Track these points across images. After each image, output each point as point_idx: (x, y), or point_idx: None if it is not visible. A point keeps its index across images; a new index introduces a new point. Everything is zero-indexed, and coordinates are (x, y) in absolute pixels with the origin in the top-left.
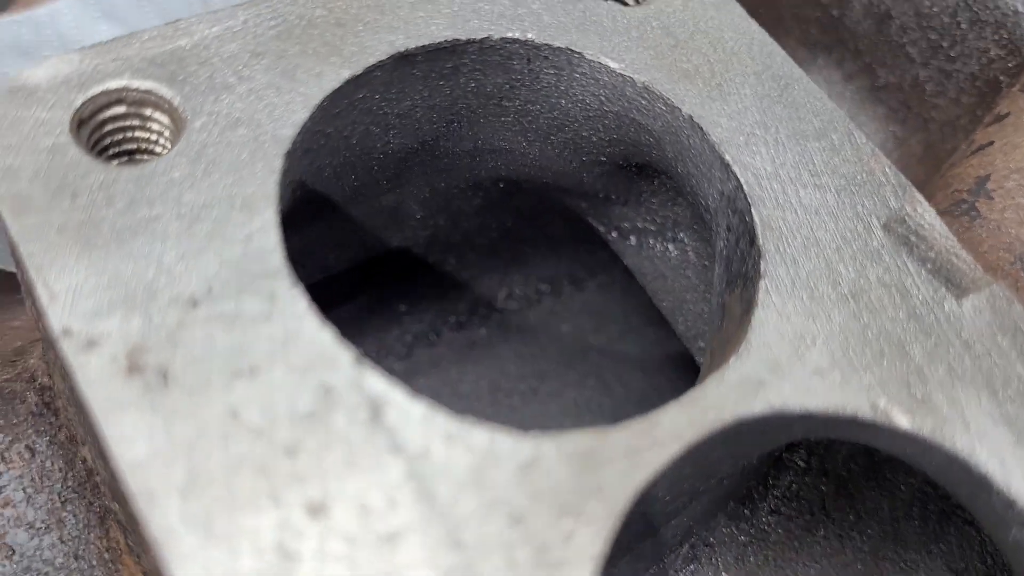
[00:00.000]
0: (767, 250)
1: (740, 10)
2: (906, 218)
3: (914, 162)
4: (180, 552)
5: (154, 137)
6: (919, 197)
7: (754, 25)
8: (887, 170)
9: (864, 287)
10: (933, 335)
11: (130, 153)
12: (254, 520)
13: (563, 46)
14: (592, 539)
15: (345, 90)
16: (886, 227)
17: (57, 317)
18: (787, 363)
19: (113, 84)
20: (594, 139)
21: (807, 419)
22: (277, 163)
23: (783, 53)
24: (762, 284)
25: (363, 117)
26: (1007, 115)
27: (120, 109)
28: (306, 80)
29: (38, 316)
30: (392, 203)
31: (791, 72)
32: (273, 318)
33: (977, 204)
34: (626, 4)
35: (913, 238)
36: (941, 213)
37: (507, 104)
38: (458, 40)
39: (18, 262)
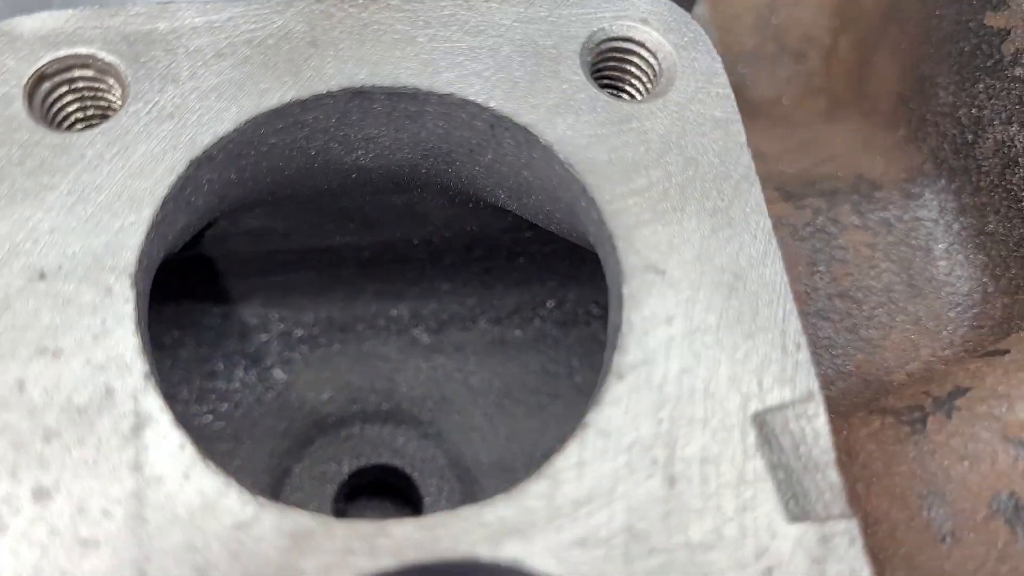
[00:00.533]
0: (602, 402)
1: (740, 135)
2: (788, 417)
3: (988, 326)
4: None
5: (118, 104)
6: (819, 399)
7: (746, 157)
8: (800, 358)
9: (688, 474)
10: (729, 551)
11: (99, 109)
12: None
13: (523, 124)
14: None
15: (288, 110)
16: (758, 417)
17: None
18: (550, 525)
19: (83, 50)
20: (557, 215)
21: None
22: (180, 168)
23: (760, 198)
24: (576, 435)
25: (319, 135)
26: None
27: (87, 72)
28: (250, 93)
29: None
30: (403, 202)
31: (755, 220)
32: (98, 311)
33: (930, 419)
34: (629, 97)
35: (781, 441)
36: (893, 411)
37: (478, 157)
38: (419, 89)
39: None
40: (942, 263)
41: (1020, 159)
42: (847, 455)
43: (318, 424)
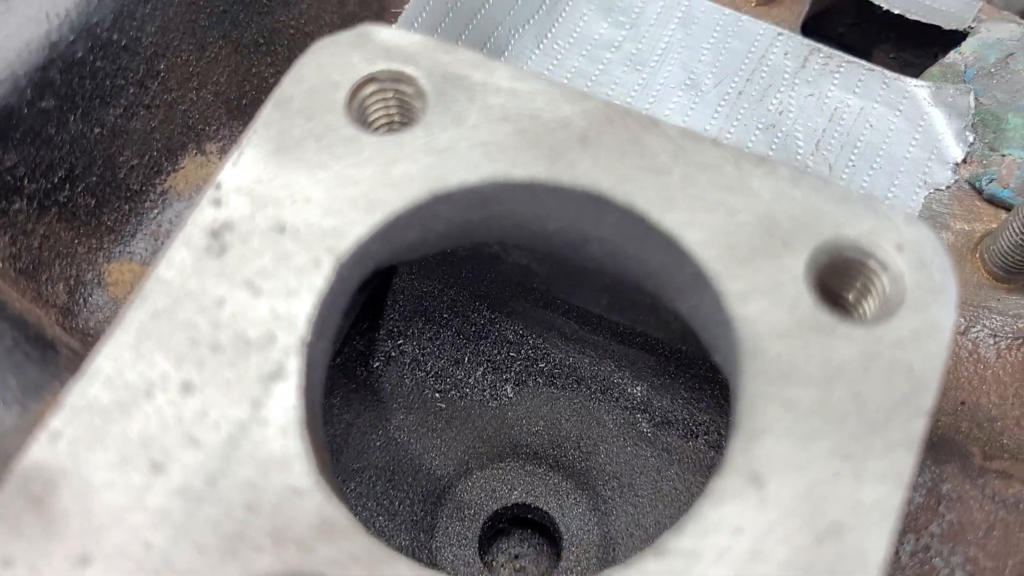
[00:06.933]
0: (631, 567)
1: (927, 400)
2: None
3: None
4: (119, 340)
5: (412, 122)
6: None
7: (918, 424)
8: None
9: None
10: None
11: (400, 120)
12: (160, 361)
13: (717, 290)
14: None
15: (529, 189)
16: None
17: (224, 172)
18: None
19: (411, 71)
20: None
21: None
22: (420, 195)
23: (908, 471)
24: None
25: (557, 218)
26: None
27: (406, 89)
28: (509, 160)
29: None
30: (647, 301)
31: (887, 489)
32: (300, 276)
33: None
34: (839, 308)
35: None
36: None
37: (684, 298)
38: (645, 219)
39: (251, 127)
40: None
41: None
42: None
43: (515, 448)
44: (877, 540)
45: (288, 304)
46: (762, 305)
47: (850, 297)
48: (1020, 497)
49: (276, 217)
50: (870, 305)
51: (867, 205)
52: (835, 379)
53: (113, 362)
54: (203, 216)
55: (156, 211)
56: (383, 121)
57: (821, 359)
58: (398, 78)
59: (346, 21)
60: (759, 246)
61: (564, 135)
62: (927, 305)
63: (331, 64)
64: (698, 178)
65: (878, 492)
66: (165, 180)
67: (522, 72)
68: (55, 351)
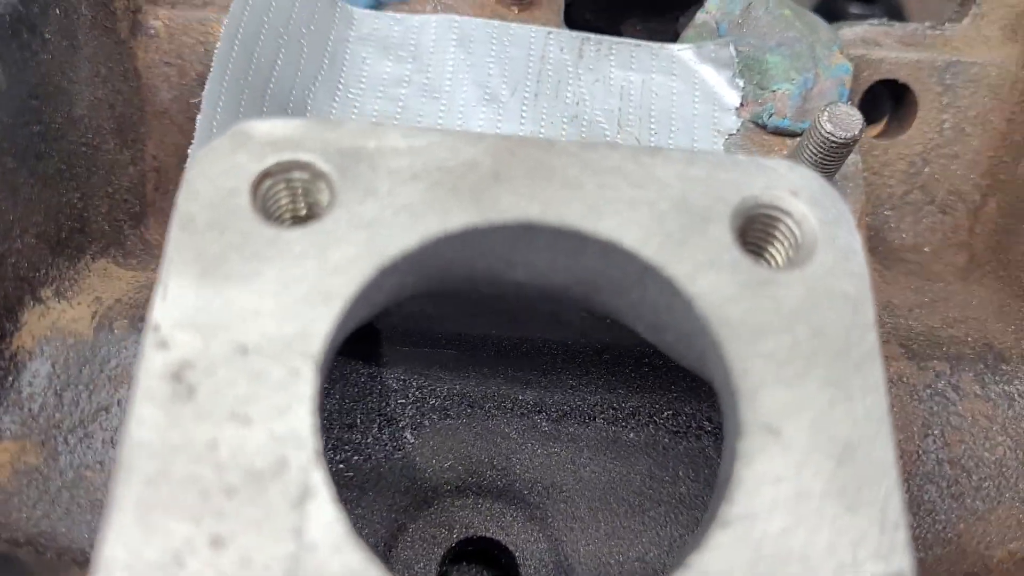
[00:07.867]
0: (704, 547)
1: (868, 314)
2: None
3: None
4: (120, 522)
5: (325, 202)
6: None
7: (871, 336)
8: (897, 539)
9: None
10: None
11: (308, 207)
12: (176, 526)
13: (669, 276)
14: None
15: (467, 234)
16: None
17: (158, 311)
18: None
19: (304, 157)
20: (688, 356)
21: None
22: (368, 272)
23: (880, 378)
24: (677, 574)
25: (487, 255)
26: None
27: (304, 175)
28: (437, 213)
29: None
30: (550, 310)
31: (872, 400)
32: (285, 391)
33: None
34: (769, 261)
35: None
36: None
37: (624, 294)
38: (581, 232)
39: (163, 258)
40: None
41: None
42: None
43: (436, 489)
44: (883, 445)
45: (284, 422)
46: (710, 278)
47: (772, 249)
48: (901, 372)
49: (232, 340)
50: (790, 250)
51: (754, 164)
52: (794, 322)
53: (123, 546)
54: (153, 364)
55: (11, 378)
56: (289, 214)
57: (776, 309)
58: (293, 167)
59: (121, 123)
60: (687, 227)
61: (476, 176)
62: (835, 235)
63: (219, 172)
64: (610, 182)
65: (867, 404)
66: (11, 343)
67: (412, 129)
68: (16, 559)
